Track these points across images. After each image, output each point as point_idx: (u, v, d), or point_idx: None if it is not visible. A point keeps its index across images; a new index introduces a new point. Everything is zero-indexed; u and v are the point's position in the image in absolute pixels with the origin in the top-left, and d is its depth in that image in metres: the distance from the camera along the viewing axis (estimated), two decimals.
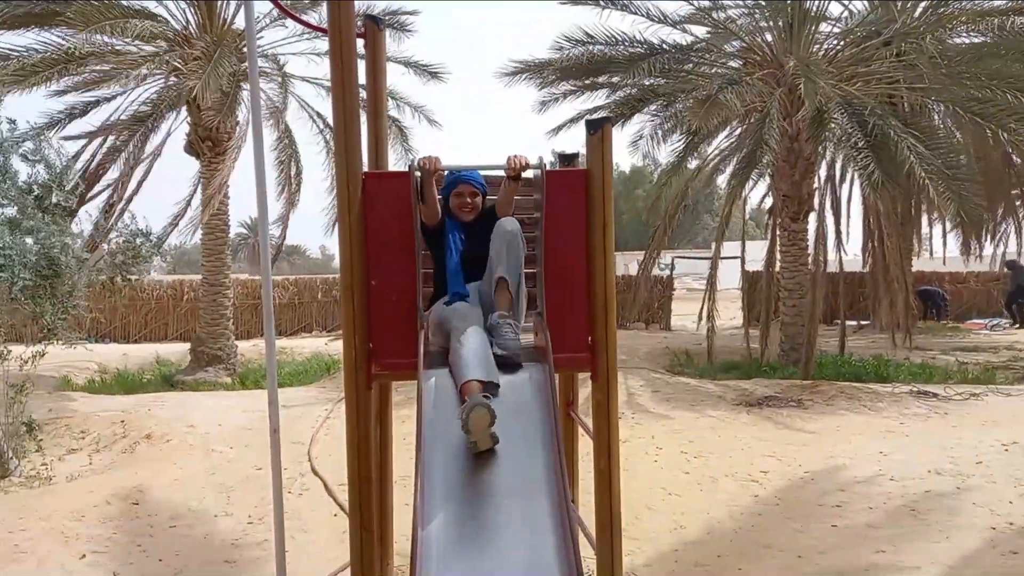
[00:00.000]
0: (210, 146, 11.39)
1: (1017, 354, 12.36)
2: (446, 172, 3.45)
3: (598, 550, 3.32)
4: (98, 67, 10.47)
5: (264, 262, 3.93)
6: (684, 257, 26.01)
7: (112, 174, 11.30)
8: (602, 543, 3.30)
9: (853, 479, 5.28)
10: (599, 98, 12.50)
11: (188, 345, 11.99)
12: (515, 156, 3.26)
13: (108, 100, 11.26)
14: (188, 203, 12.28)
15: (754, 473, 5.66)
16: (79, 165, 10.68)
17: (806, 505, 4.88)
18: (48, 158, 6.74)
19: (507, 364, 3.01)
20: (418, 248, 3.38)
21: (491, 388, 2.88)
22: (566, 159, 3.99)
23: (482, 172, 3.66)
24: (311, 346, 14.24)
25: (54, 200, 6.82)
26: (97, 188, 11.11)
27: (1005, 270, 18.21)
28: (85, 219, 10.56)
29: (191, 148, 11.61)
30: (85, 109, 11.07)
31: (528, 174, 3.36)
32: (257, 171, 3.94)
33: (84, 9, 9.11)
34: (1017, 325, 17.06)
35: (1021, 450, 5.77)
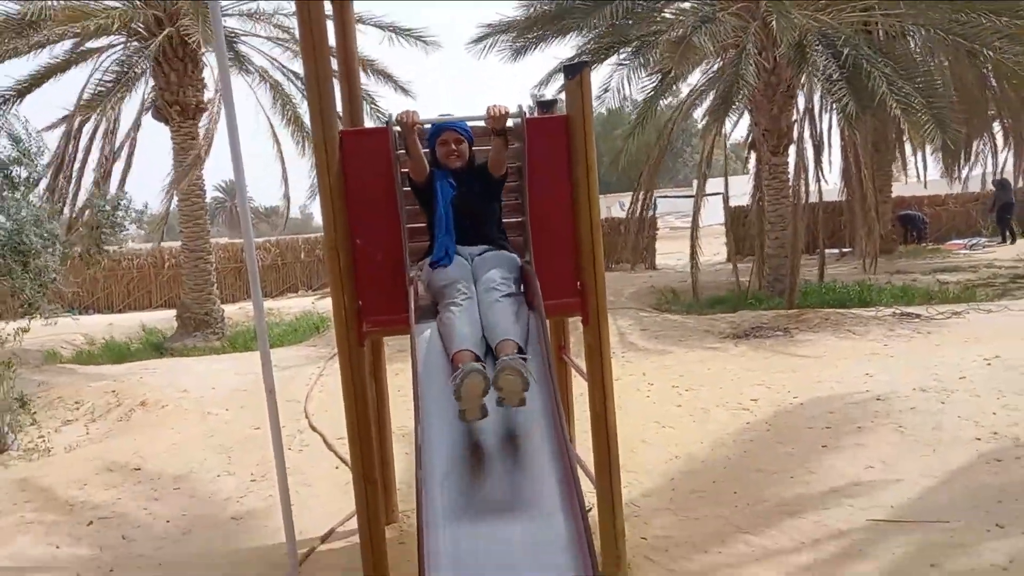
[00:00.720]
0: (179, 110, 11.12)
1: (996, 271, 12.59)
2: (428, 126, 3.38)
3: (598, 486, 3.42)
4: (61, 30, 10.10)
5: (244, 222, 3.88)
6: (666, 196, 25.92)
7: (88, 145, 11.08)
8: (601, 480, 3.39)
9: (841, 401, 5.42)
10: (571, 43, 12.27)
11: (173, 312, 11.94)
12: (494, 105, 3.21)
13: (74, 63, 10.90)
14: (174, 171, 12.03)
15: (744, 402, 5.78)
16: (56, 137, 10.45)
17: (796, 429, 5.01)
18: (14, 131, 6.58)
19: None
20: (400, 204, 3.36)
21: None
22: (545, 106, 3.94)
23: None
24: (298, 306, 14.22)
25: (23, 174, 6.69)
26: (77, 163, 10.87)
27: (992, 188, 18.37)
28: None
29: (159, 114, 11.34)
30: (43, 77, 10.71)
31: (509, 123, 3.32)
32: (231, 134, 3.86)
33: None
34: (1006, 241, 17.29)
35: (1003, 364, 5.91)
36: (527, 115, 3.31)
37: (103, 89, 10.20)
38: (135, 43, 10.85)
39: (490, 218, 3.37)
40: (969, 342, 7.01)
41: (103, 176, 10.65)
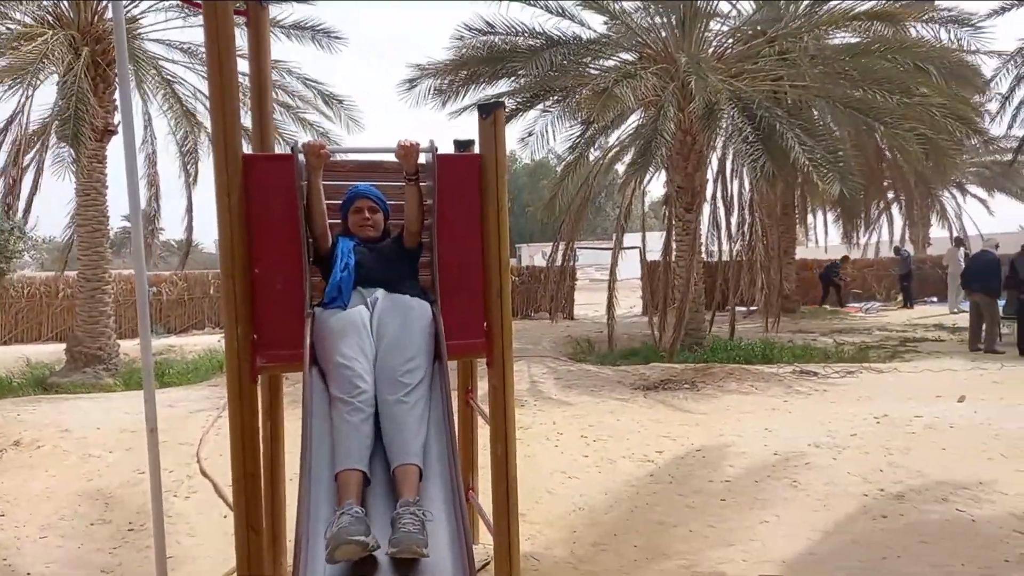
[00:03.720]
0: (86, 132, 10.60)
1: (888, 334, 13.33)
2: (348, 190, 3.25)
3: (495, 534, 3.32)
4: None
5: (136, 248, 3.68)
6: (587, 248, 26.49)
7: None
8: (499, 527, 3.30)
9: (741, 455, 5.52)
10: (501, 87, 12.52)
11: (64, 346, 11.17)
12: (405, 139, 3.16)
13: None
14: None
15: (650, 453, 5.82)
16: None
17: (698, 481, 5.06)
18: None
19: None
20: (303, 234, 3.25)
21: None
22: (462, 146, 3.94)
23: (376, 156, 3.57)
24: (204, 343, 13.59)
25: None
26: None
27: (894, 255, 19.65)
28: None
29: (66, 137, 10.79)
30: None
31: (421, 160, 3.28)
32: (127, 160, 3.68)
33: None
34: (907, 305, 18.45)
35: (891, 422, 6.21)
36: (437, 151, 3.27)
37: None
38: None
39: (400, 274, 3.13)
40: (861, 400, 7.34)
41: (9, 199, 9.99)
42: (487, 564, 3.73)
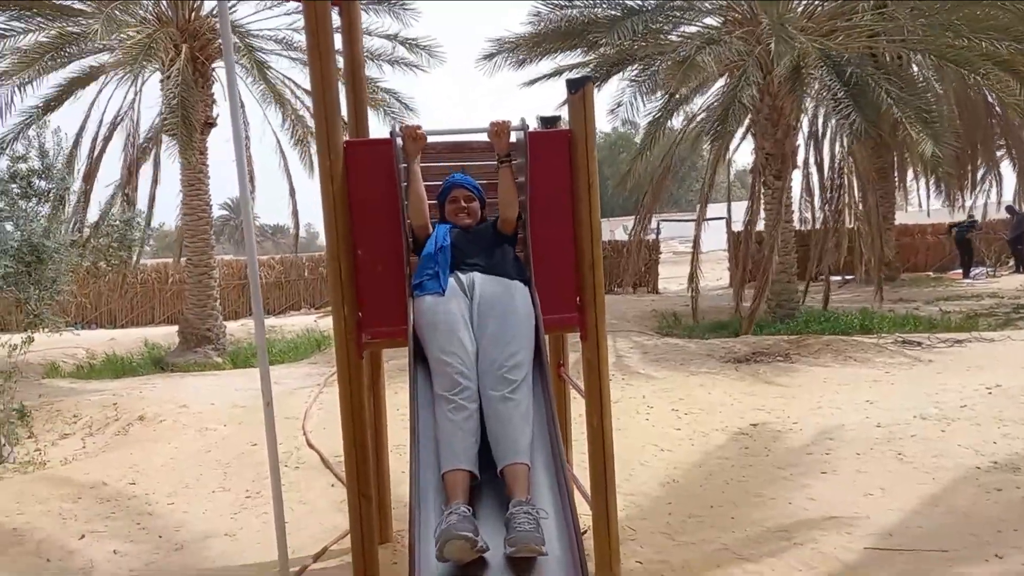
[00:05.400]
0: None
1: (999, 301, 12.55)
2: (445, 180, 3.32)
3: (593, 505, 3.39)
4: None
5: (248, 234, 3.91)
6: (671, 220, 25.99)
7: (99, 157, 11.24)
8: (597, 498, 3.36)
9: (841, 427, 5.38)
10: (576, 59, 12.40)
11: (176, 328, 11.94)
12: (497, 120, 3.23)
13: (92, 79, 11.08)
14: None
15: (743, 426, 5.75)
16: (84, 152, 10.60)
17: (795, 454, 4.97)
18: (43, 145, 6.67)
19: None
20: (403, 216, 3.37)
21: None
22: (548, 122, 3.96)
23: (467, 136, 3.64)
24: (301, 323, 14.22)
25: (43, 186, 6.73)
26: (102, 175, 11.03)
27: (1007, 215, 18.36)
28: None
29: (168, 129, 11.44)
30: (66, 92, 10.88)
31: (512, 138, 3.33)
32: (237, 151, 3.90)
33: None
34: (1019, 270, 17.27)
35: (1004, 393, 5.89)
36: (528, 128, 3.31)
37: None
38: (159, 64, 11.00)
39: (497, 255, 3.11)
40: (971, 371, 6.97)
41: (128, 189, 10.73)
42: (584, 532, 3.80)
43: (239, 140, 3.75)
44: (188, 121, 9.75)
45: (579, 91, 3.35)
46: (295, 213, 14.04)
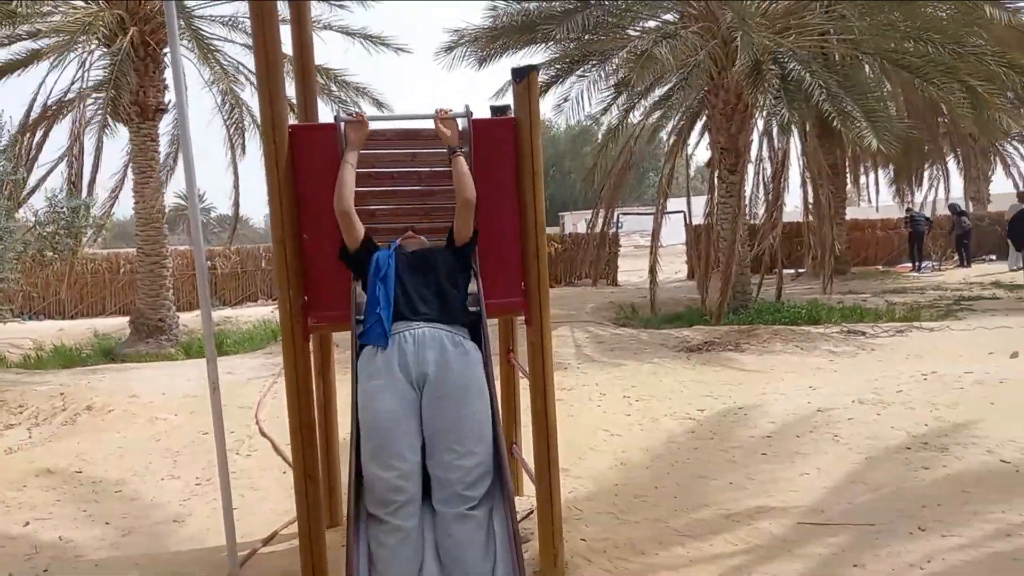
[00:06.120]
0: (137, 111, 11.00)
1: (943, 293, 13.01)
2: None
3: (537, 484, 3.47)
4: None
5: (194, 221, 3.90)
6: (632, 214, 26.31)
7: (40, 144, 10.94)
8: (540, 477, 3.44)
9: (783, 412, 5.56)
10: (538, 56, 12.48)
11: (127, 319, 11.72)
12: (441, 109, 3.21)
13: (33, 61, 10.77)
14: (124, 173, 11.85)
15: (692, 412, 5.90)
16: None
17: (739, 437, 5.13)
18: None
19: None
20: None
21: None
22: (499, 111, 4.02)
23: (412, 123, 3.67)
24: (257, 314, 14.06)
25: None
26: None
27: (950, 213, 18.99)
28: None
29: (118, 115, 11.21)
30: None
31: (460, 125, 3.37)
32: (182, 136, 3.89)
33: None
34: (963, 265, 17.90)
35: (939, 379, 6.13)
36: (472, 115, 3.35)
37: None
38: (98, 43, 10.75)
39: (448, 298, 2.83)
40: (910, 359, 7.25)
41: (74, 177, 10.46)
42: (530, 513, 3.89)
43: (183, 121, 3.72)
44: (118, 102, 9.53)
45: (524, 80, 3.42)
46: (236, 204, 13.87)
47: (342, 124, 3.24)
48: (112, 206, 11.50)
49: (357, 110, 3.27)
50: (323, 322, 3.40)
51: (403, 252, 2.94)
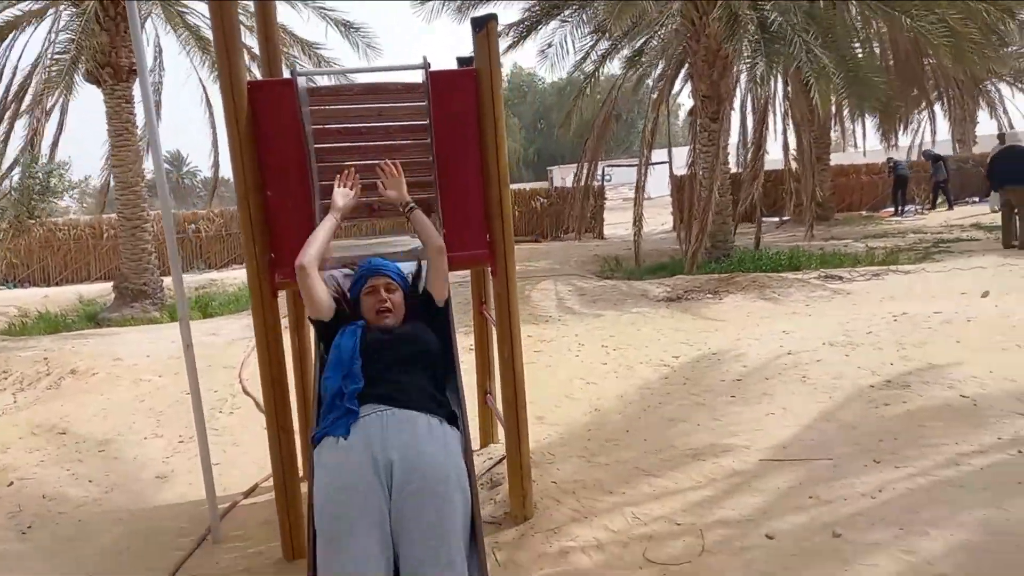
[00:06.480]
0: (111, 72, 10.81)
1: (923, 237, 13.12)
2: (359, 265, 2.85)
3: (506, 428, 3.57)
4: None
5: (160, 185, 3.90)
6: (617, 166, 26.21)
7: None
8: (509, 421, 3.54)
9: (755, 356, 5.67)
10: (517, 5, 12.31)
11: (112, 284, 11.72)
12: (384, 164, 3.05)
13: None
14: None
15: (667, 359, 6.01)
16: None
17: (710, 381, 5.25)
18: None
19: None
20: (310, 156, 3.39)
21: None
22: (466, 63, 4.00)
23: (379, 78, 3.64)
24: (242, 277, 14.02)
25: None
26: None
27: (924, 160, 19.03)
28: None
29: (90, 76, 11.01)
30: None
31: (418, 78, 3.36)
32: (144, 94, 3.85)
33: None
34: (937, 206, 18.04)
35: (909, 320, 6.26)
36: (430, 67, 3.33)
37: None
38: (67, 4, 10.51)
39: (422, 381, 2.45)
40: (884, 301, 7.37)
41: (32, 139, 10.32)
42: (503, 459, 4.00)
43: (143, 78, 3.69)
44: (77, 60, 9.35)
45: (483, 28, 3.40)
46: (215, 165, 13.73)
47: (299, 80, 3.23)
48: (110, 175, 11.35)
49: (311, 67, 3.19)
50: (290, 278, 3.42)
51: (372, 329, 2.57)
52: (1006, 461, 3.41)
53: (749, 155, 11.70)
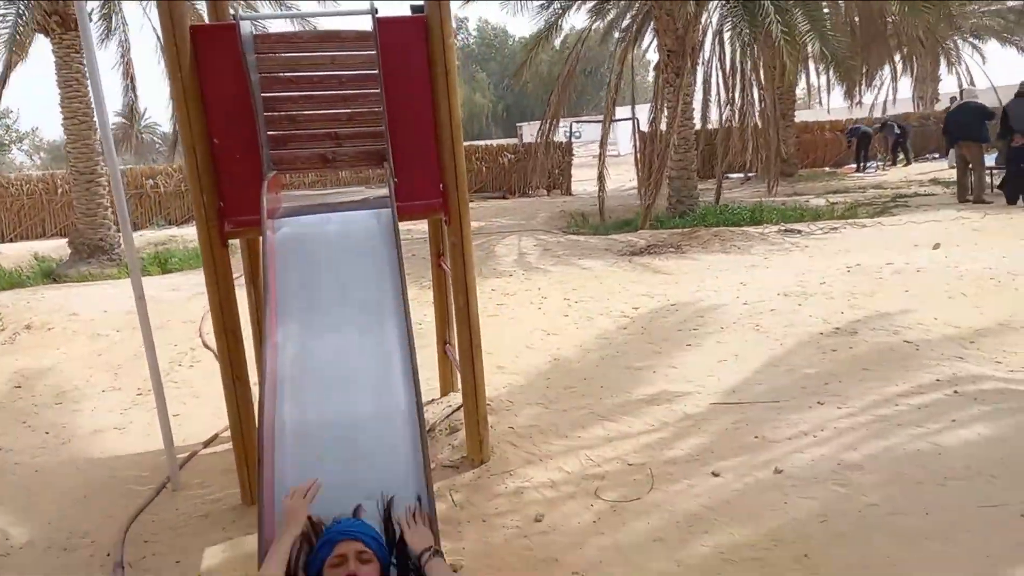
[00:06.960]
0: (59, 21, 10.38)
1: (882, 192, 13.35)
2: (326, 530, 2.12)
3: (462, 374, 3.62)
4: None
5: (105, 137, 3.80)
6: (585, 121, 26.04)
7: None
8: (465, 367, 3.59)
9: (712, 307, 5.78)
10: None
11: (67, 240, 11.44)
12: (409, 507, 2.24)
13: None
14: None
15: (627, 310, 6.10)
16: None
17: (667, 331, 5.35)
18: None
19: None
20: (257, 104, 3.31)
21: None
22: (419, 10, 3.91)
23: (332, 24, 3.57)
24: None
25: None
26: None
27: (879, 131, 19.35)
28: None
29: (38, 26, 10.57)
30: None
31: (367, 27, 3.28)
32: (85, 44, 3.74)
33: None
34: (898, 163, 18.42)
35: (862, 271, 6.43)
36: (377, 12, 3.26)
37: None
38: None
39: None
40: (839, 253, 7.53)
41: None
42: (460, 407, 4.06)
43: (84, 22, 3.57)
44: (60, 15, 8.95)
45: None
46: (174, 118, 13.33)
47: (243, 24, 3.14)
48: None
49: (265, 11, 3.10)
50: (240, 227, 3.40)
51: None
52: (941, 400, 3.56)
53: (724, 112, 11.74)
